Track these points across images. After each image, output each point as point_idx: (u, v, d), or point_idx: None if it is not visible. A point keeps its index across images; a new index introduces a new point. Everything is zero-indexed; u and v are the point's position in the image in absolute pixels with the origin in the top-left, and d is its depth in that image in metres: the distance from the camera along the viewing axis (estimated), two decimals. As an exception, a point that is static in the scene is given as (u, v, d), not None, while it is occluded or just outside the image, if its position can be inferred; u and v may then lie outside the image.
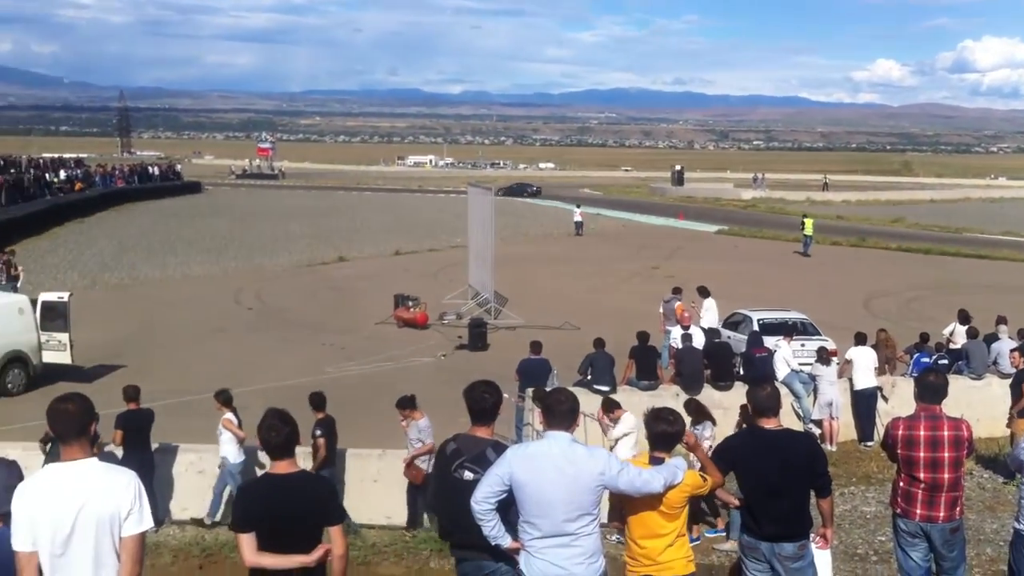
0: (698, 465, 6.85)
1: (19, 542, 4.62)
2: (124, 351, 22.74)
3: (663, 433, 6.16)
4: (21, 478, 5.06)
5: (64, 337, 20.12)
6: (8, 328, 19.64)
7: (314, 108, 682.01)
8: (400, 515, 12.37)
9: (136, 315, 28.26)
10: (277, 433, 5.32)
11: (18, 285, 26.63)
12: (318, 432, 11.92)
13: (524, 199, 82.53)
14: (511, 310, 28.31)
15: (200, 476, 12.78)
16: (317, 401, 12.29)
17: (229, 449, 12.35)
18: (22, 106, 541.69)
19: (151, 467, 11.89)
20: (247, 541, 5.21)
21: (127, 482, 4.74)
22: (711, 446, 11.42)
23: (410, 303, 27.58)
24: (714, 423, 11.97)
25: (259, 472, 10.29)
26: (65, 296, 20.74)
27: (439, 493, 6.29)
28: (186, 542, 11.16)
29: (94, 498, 4.63)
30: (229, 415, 12.42)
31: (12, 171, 61.71)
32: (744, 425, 9.71)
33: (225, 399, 12.55)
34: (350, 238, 49.97)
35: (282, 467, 5.34)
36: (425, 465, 11.68)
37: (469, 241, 33.30)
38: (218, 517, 12.14)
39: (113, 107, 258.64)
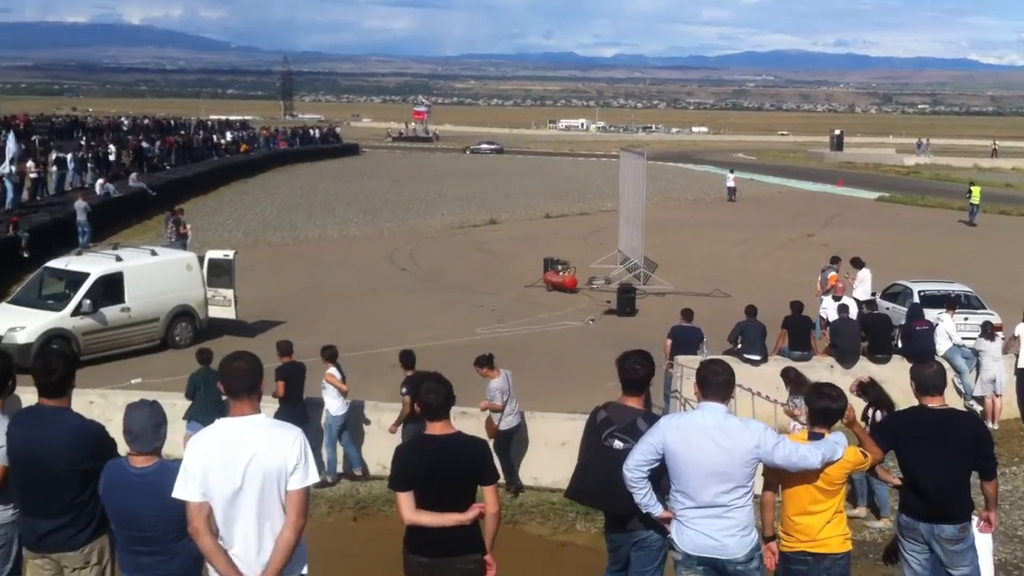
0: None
1: (190, 492, 4.78)
2: (284, 308, 23.50)
3: (825, 409, 6.03)
4: (164, 417, 5.30)
5: (229, 293, 20.94)
6: (177, 284, 20.60)
7: (469, 72, 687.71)
8: (545, 476, 12.46)
9: (296, 273, 29.22)
10: (436, 395, 5.42)
11: (187, 243, 27.83)
12: (404, 390, 12.19)
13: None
14: (660, 276, 28.06)
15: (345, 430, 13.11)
16: (407, 359, 12.61)
17: (332, 403, 12.74)
18: (191, 70, 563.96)
19: (304, 419, 12.29)
20: (406, 500, 5.35)
21: (293, 438, 4.88)
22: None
23: (559, 267, 27.64)
24: None
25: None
26: (230, 254, 21.56)
27: (590, 461, 6.31)
28: (341, 494, 11.53)
29: (262, 453, 4.78)
30: (332, 370, 12.77)
31: (182, 133, 64.54)
32: (872, 407, 9.35)
33: (330, 355, 12.89)
34: (501, 201, 50.33)
35: (438, 428, 5.45)
36: (497, 421, 11.91)
37: (620, 205, 33.12)
38: (328, 468, 12.48)
39: (277, 71, 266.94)
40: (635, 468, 5.68)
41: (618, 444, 6.02)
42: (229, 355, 5.06)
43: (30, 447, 5.43)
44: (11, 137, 39.06)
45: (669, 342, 15.67)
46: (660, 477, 5.79)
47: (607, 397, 6.31)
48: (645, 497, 5.70)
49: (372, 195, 52.39)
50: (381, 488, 11.63)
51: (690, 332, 15.94)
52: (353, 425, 12.97)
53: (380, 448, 12.83)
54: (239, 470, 4.76)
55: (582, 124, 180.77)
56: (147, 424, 5.10)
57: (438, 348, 18.76)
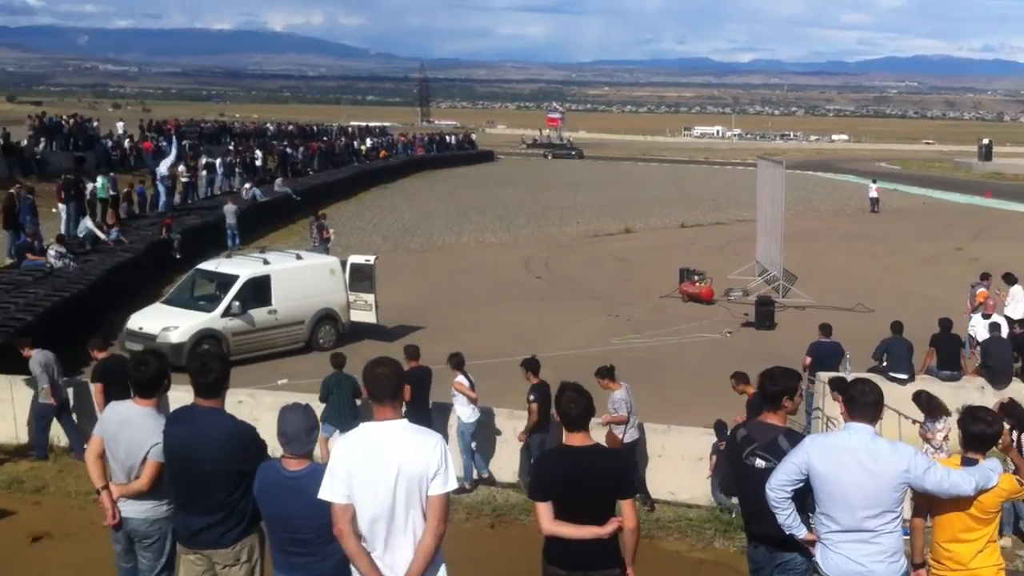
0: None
1: (335, 494, 4.91)
2: (422, 313, 23.91)
3: (980, 434, 5.83)
4: (317, 420, 5.49)
5: (370, 298, 21.45)
6: (321, 288, 21.21)
7: (602, 78, 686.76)
8: (682, 491, 12.40)
9: (433, 279, 29.72)
10: (576, 405, 5.40)
11: (329, 247, 28.61)
12: (531, 397, 12.29)
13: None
14: (800, 288, 27.53)
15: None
16: (532, 366, 12.67)
17: (463, 410, 12.88)
18: (332, 76, 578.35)
19: (428, 424, 12.53)
20: (544, 510, 5.35)
21: (435, 443, 4.97)
22: (945, 442, 10.73)
23: (696, 277, 27.41)
24: (948, 416, 11.09)
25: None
26: (371, 259, 22.10)
27: (732, 479, 6.27)
28: (478, 500, 11.68)
29: (405, 458, 4.88)
30: (460, 378, 12.91)
31: (324, 138, 66.33)
32: (1016, 430, 8.94)
33: (456, 363, 13.04)
34: (636, 209, 50.12)
35: (578, 439, 5.42)
36: (620, 434, 11.87)
37: (757, 215, 32.62)
38: (465, 475, 12.60)
39: (414, 78, 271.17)
40: (778, 488, 5.61)
41: (759, 463, 5.96)
42: (373, 361, 5.18)
43: (185, 446, 5.66)
44: (174, 143, 40.91)
45: (809, 360, 15.40)
46: (804, 498, 5.72)
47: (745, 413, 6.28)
48: (788, 518, 5.63)
49: (507, 202, 52.86)
50: (518, 496, 11.77)
51: (830, 348, 15.63)
52: (483, 433, 13.13)
53: (515, 456, 13.00)
54: (382, 474, 4.86)
55: (717, 131, 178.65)
56: (300, 427, 5.25)
57: (572, 358, 18.81)
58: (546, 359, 17.70)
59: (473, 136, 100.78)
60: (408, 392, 12.43)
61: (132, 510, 6.13)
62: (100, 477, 6.18)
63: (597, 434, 11.71)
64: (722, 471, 11.82)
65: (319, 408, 12.67)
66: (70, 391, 13.56)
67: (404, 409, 11.80)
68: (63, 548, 9.90)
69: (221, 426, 5.73)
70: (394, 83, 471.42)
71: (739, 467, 6.12)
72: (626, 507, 5.39)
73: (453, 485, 5.02)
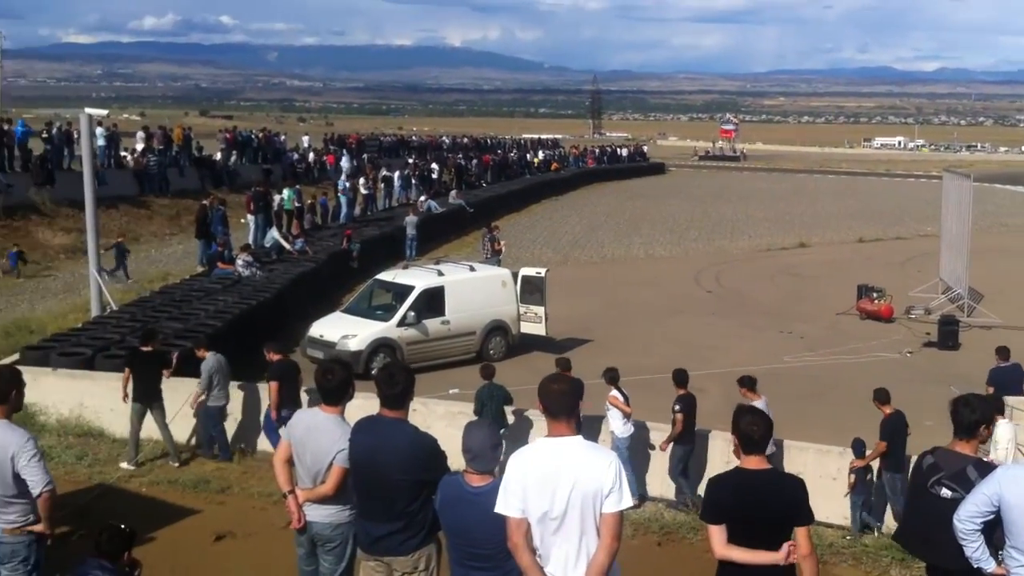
0: None
1: (510, 508, 4.98)
2: (591, 326, 23.97)
3: None
4: (501, 438, 5.59)
5: (540, 310, 21.63)
6: (493, 299, 21.54)
7: (778, 88, 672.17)
8: (817, 510, 11.97)
9: (603, 292, 29.74)
10: (757, 428, 5.34)
11: (500, 259, 29.02)
12: (677, 407, 12.30)
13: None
14: (986, 308, 26.29)
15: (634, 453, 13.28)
16: (680, 377, 12.68)
17: (617, 424, 12.86)
18: (506, 89, 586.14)
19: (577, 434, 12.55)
20: (717, 533, 5.30)
21: (609, 461, 4.99)
22: None
23: (874, 294, 26.55)
24: None
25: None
26: (542, 271, 22.29)
27: (912, 507, 6.08)
28: (645, 517, 11.63)
29: (580, 474, 4.90)
30: (614, 392, 12.90)
31: (498, 151, 67.29)
32: None
33: (611, 377, 13.03)
34: (811, 223, 48.94)
35: (754, 462, 5.35)
36: None
37: (941, 230, 31.35)
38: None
39: (586, 90, 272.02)
40: (967, 520, 5.42)
41: (945, 492, 5.77)
42: (549, 377, 5.25)
43: (371, 455, 5.85)
44: (344, 156, 42.36)
45: (991, 390, 14.69)
46: (993, 530, 5.51)
47: (925, 437, 6.06)
48: (977, 551, 5.43)
49: (678, 214, 52.42)
50: (686, 515, 11.68)
51: (1011, 372, 14.89)
52: (637, 447, 13.07)
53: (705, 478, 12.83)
54: (557, 490, 4.90)
55: (899, 142, 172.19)
56: (486, 444, 5.34)
57: (742, 373, 18.47)
58: (715, 375, 17.59)
59: (644, 148, 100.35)
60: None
61: (317, 514, 6.36)
62: (287, 481, 6.45)
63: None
64: (863, 491, 11.54)
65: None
66: (240, 395, 14.22)
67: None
68: (244, 547, 10.37)
69: (405, 436, 5.90)
70: (567, 95, 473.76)
71: (922, 496, 5.94)
72: (801, 534, 5.27)
73: (628, 503, 5.03)
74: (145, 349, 13.50)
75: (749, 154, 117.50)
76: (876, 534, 10.99)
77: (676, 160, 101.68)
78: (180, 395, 13.97)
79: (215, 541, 10.53)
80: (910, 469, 8.28)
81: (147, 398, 13.16)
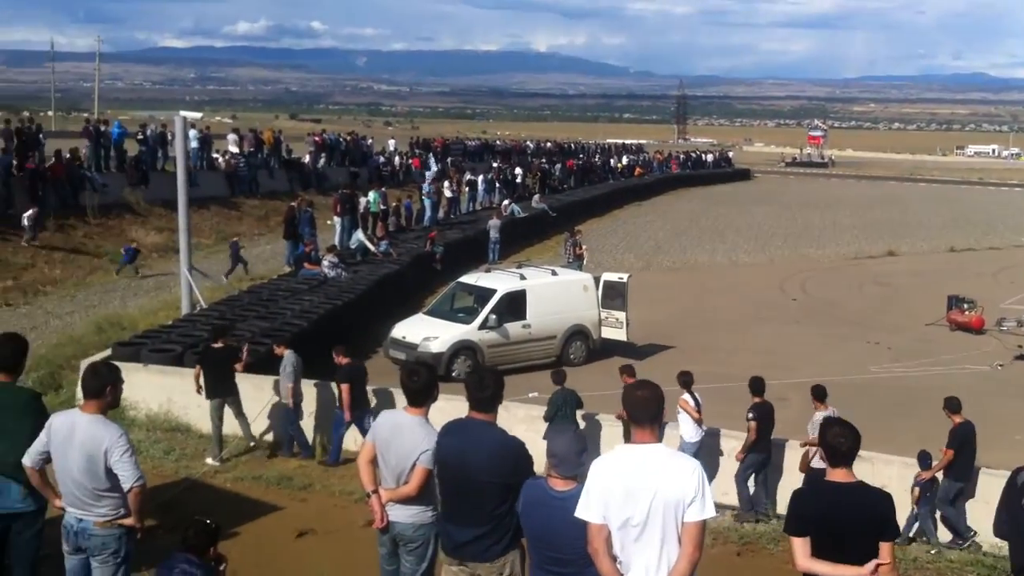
0: None
1: (591, 513, 4.97)
2: (673, 332, 23.83)
3: None
4: (586, 444, 5.59)
5: (622, 315, 21.57)
6: (574, 304, 21.55)
7: (868, 94, 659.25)
8: (944, 531, 11.76)
9: (685, 298, 29.53)
10: (845, 440, 5.28)
11: (582, 263, 28.99)
12: (751, 415, 12.23)
13: None
14: (1085, 321, 25.48)
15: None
16: (756, 386, 12.65)
17: (686, 429, 12.89)
18: (591, 95, 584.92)
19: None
20: (800, 546, 5.25)
21: (692, 468, 4.96)
22: None
23: (965, 305, 25.92)
24: None
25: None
26: (624, 277, 22.23)
27: (1008, 523, 5.93)
28: (724, 527, 11.53)
29: (663, 482, 4.88)
30: (686, 396, 12.94)
31: (582, 156, 67.20)
32: None
33: (684, 381, 13.07)
34: (900, 231, 47.98)
35: (840, 475, 5.28)
36: (812, 455, 11.59)
37: (1038, 241, 30.52)
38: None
39: (672, 95, 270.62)
40: None
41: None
42: (634, 384, 5.25)
43: (460, 458, 5.89)
44: (431, 159, 42.74)
45: None
46: None
47: (1015, 452, 5.92)
48: None
49: (763, 221, 51.79)
50: (766, 525, 11.55)
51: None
52: (708, 454, 12.97)
53: (789, 488, 12.67)
54: (640, 498, 4.88)
55: (993, 150, 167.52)
56: (572, 450, 5.34)
57: (828, 385, 18.17)
58: (798, 384, 17.30)
59: (730, 154, 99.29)
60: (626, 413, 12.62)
61: (399, 514, 6.42)
62: (371, 481, 6.51)
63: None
64: (927, 503, 11.29)
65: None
66: (324, 394, 14.44)
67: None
68: (325, 544, 10.53)
69: (494, 439, 5.95)
70: (652, 101, 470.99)
71: (1016, 511, 5.81)
72: (884, 548, 5.19)
73: (711, 513, 4.99)
74: (216, 346, 13.85)
75: (838, 161, 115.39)
76: (931, 546, 10.84)
77: (762, 166, 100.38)
78: (264, 393, 14.26)
79: (297, 537, 10.71)
80: (991, 482, 8.11)
81: (221, 393, 13.52)
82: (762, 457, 12.41)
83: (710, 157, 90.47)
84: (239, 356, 13.98)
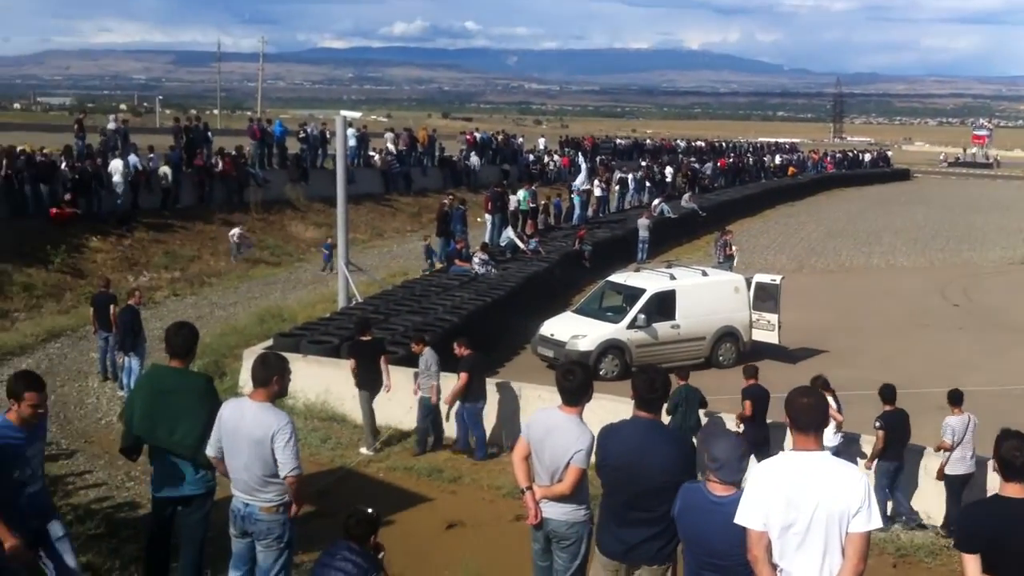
0: None
1: (752, 520, 4.91)
2: (826, 337, 23.21)
3: None
4: (748, 449, 5.53)
5: (774, 318, 21.17)
6: (724, 305, 21.27)
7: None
8: None
9: (839, 301, 28.74)
10: (1020, 454, 5.09)
11: (733, 264, 28.59)
12: (878, 424, 12.09)
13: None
14: None
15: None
16: (887, 393, 12.47)
17: (825, 432, 12.41)
18: (743, 92, 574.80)
19: (766, 444, 12.43)
20: (971, 563, 5.09)
21: (858, 478, 4.86)
22: None
23: None
24: None
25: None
26: (777, 279, 21.79)
27: None
28: (880, 538, 11.21)
29: (827, 491, 4.79)
30: (828, 398, 12.53)
31: (732, 155, 66.18)
32: None
33: (822, 384, 12.78)
34: (1073, 236, 45.57)
35: (1014, 490, 5.10)
36: (943, 460, 11.55)
37: None
38: None
39: (828, 93, 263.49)
40: None
41: None
42: (798, 390, 5.13)
43: (634, 457, 5.88)
44: (581, 159, 42.82)
45: None
46: None
47: None
48: None
49: (922, 224, 49.98)
50: (924, 537, 11.20)
51: None
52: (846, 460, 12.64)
53: (926, 495, 12.32)
54: (801, 505, 4.80)
55: None
56: (733, 454, 5.30)
57: (995, 395, 17.48)
58: (964, 394, 16.63)
59: (888, 153, 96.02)
60: (748, 408, 12.89)
61: (553, 512, 6.45)
62: (525, 478, 6.56)
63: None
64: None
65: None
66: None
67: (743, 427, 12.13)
68: (474, 537, 10.71)
69: (666, 437, 6.06)
70: (807, 98, 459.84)
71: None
72: None
73: (877, 524, 4.90)
74: (363, 339, 14.26)
75: (1004, 161, 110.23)
76: None
77: (922, 166, 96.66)
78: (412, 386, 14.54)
79: (446, 529, 10.93)
80: None
81: (369, 385, 13.93)
82: (894, 466, 12.16)
83: (867, 156, 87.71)
84: (384, 348, 14.41)
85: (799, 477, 4.87)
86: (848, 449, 12.52)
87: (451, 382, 13.93)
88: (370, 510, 6.51)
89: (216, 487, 7.22)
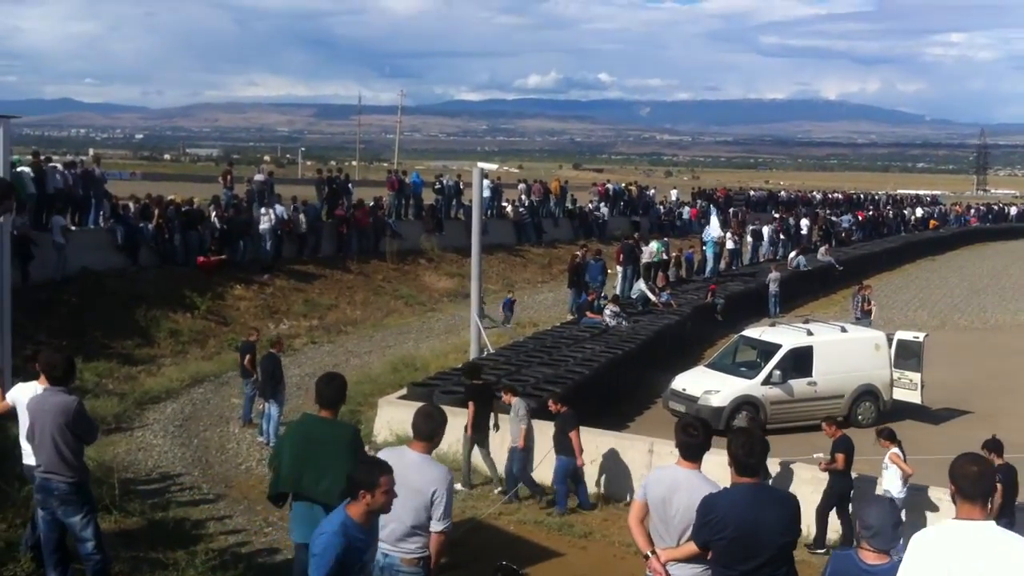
0: None
1: None
2: (970, 396, 22.36)
3: None
4: (901, 517, 5.36)
5: (916, 377, 20.48)
6: (864, 363, 20.68)
7: None
8: None
9: (985, 360, 27.59)
10: None
11: (871, 320, 27.81)
12: (997, 477, 11.70)
13: None
14: None
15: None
16: (994, 446, 12.43)
17: (893, 483, 12.89)
18: (882, 143, 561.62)
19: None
20: None
21: (1021, 549, 4.62)
22: None
23: None
24: None
25: None
26: (920, 336, 21.11)
27: None
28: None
29: (994, 565, 4.55)
30: (895, 450, 12.99)
31: (871, 207, 64.64)
32: None
33: (888, 435, 13.29)
34: None
35: None
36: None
37: None
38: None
39: (971, 144, 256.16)
40: None
41: None
42: (966, 457, 4.89)
43: (751, 522, 5.75)
44: (712, 211, 42.47)
45: None
46: None
47: None
48: None
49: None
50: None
51: None
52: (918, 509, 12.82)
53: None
54: None
55: None
56: (887, 522, 5.17)
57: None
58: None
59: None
60: (841, 461, 13.10)
61: (682, 574, 6.29)
62: (646, 542, 6.42)
63: None
64: None
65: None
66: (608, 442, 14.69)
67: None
68: (604, 594, 10.61)
69: (781, 498, 6.01)
70: (949, 150, 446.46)
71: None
72: None
73: None
74: (477, 383, 14.85)
75: None
76: None
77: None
78: (545, 437, 14.64)
79: (578, 586, 10.87)
80: None
81: (480, 429, 14.57)
82: (1005, 522, 11.58)
83: (1013, 210, 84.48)
84: (496, 394, 14.93)
85: (963, 548, 4.64)
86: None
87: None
88: (515, 567, 6.51)
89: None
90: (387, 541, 6.67)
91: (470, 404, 14.47)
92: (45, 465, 7.33)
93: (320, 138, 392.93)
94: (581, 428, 14.25)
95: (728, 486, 6.04)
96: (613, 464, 14.85)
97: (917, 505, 12.77)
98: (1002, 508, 11.69)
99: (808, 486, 12.97)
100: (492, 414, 14.77)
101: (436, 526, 6.58)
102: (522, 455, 14.29)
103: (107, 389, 19.19)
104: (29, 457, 7.79)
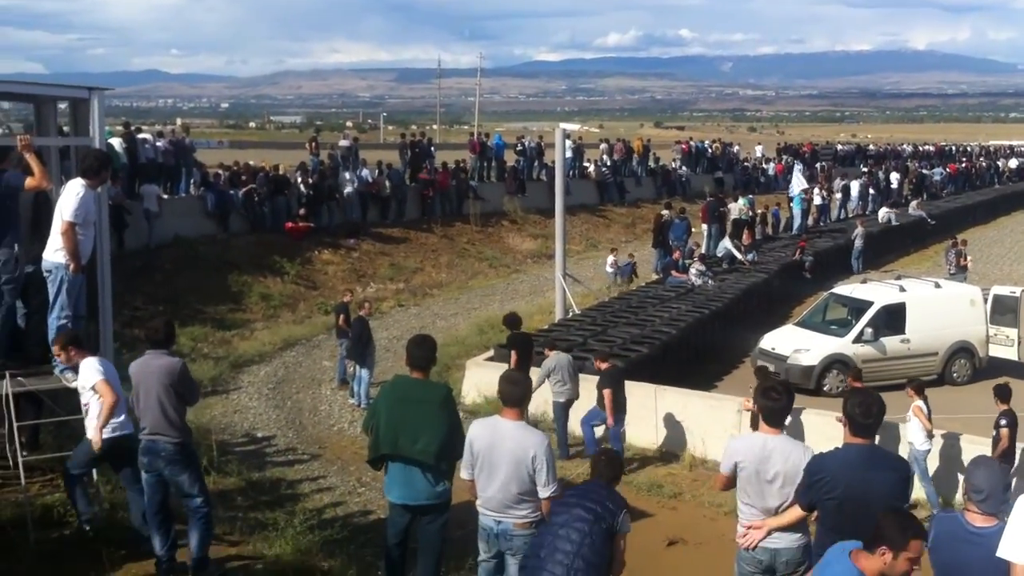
0: None
1: (1018, 554, 4.69)
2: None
3: None
4: (1009, 480, 5.24)
5: (1013, 332, 19.92)
6: (959, 319, 20.17)
7: None
8: None
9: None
10: None
11: (966, 275, 27.13)
12: (1003, 422, 12.28)
13: None
14: None
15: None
16: (1002, 392, 12.72)
17: (917, 436, 12.99)
18: (973, 93, 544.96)
19: None
20: None
21: None
22: None
23: None
24: None
25: None
26: (1017, 291, 20.49)
27: None
28: None
29: None
30: (920, 403, 13.05)
31: (963, 159, 62.81)
32: None
33: (917, 387, 13.42)
34: None
35: None
36: None
37: None
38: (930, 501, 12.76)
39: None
40: None
41: None
42: None
43: (863, 486, 5.66)
44: (795, 166, 41.64)
45: None
46: None
47: None
48: None
49: None
50: None
51: None
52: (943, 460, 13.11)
53: None
54: None
55: None
56: (996, 484, 5.09)
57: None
58: None
59: None
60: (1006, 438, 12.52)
61: (783, 542, 6.26)
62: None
63: None
64: None
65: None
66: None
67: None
68: (694, 555, 10.60)
69: (893, 462, 5.96)
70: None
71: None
72: None
73: None
74: (517, 333, 15.60)
75: None
76: None
77: None
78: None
79: (667, 546, 10.86)
80: None
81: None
82: (1007, 467, 11.71)
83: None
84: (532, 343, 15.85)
85: None
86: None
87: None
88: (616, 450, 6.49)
89: (451, 497, 7.36)
90: (495, 510, 6.68)
91: (512, 353, 14.73)
92: (151, 427, 7.51)
93: (401, 103, 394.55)
94: (669, 388, 14.19)
95: (838, 447, 5.96)
96: (702, 424, 14.74)
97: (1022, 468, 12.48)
98: (1008, 452, 11.94)
99: (903, 449, 12.82)
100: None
101: (544, 492, 6.57)
102: (557, 408, 14.62)
103: (203, 353, 19.66)
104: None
